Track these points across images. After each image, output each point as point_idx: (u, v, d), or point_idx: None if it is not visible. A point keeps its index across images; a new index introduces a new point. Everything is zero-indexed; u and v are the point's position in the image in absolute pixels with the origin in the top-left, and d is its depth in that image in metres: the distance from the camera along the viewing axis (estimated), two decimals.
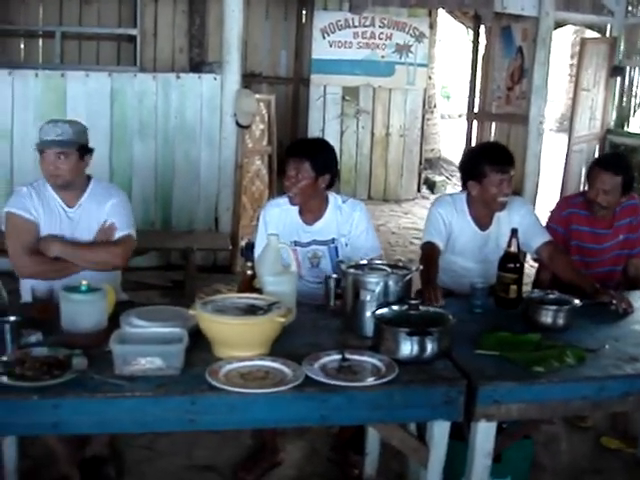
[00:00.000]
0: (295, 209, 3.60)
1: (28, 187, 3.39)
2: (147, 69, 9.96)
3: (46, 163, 3.28)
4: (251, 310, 2.59)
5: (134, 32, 10.41)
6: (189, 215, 6.67)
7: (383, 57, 10.39)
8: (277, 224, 3.58)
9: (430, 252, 3.67)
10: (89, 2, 10.57)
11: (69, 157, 3.29)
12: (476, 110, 10.55)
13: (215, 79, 6.54)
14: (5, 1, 10.28)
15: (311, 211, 3.59)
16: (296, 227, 3.60)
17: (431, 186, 11.37)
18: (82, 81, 6.44)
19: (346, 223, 3.58)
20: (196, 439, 3.74)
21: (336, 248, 3.60)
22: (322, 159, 3.54)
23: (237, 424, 2.61)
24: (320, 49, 10.26)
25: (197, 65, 10.02)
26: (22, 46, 10.60)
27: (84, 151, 3.35)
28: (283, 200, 3.63)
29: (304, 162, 3.46)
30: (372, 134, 10.62)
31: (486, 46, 10.30)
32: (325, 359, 2.55)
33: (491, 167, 3.60)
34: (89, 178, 3.45)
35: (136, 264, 3.53)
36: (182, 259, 6.21)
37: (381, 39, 10.38)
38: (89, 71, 6.72)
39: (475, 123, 10.43)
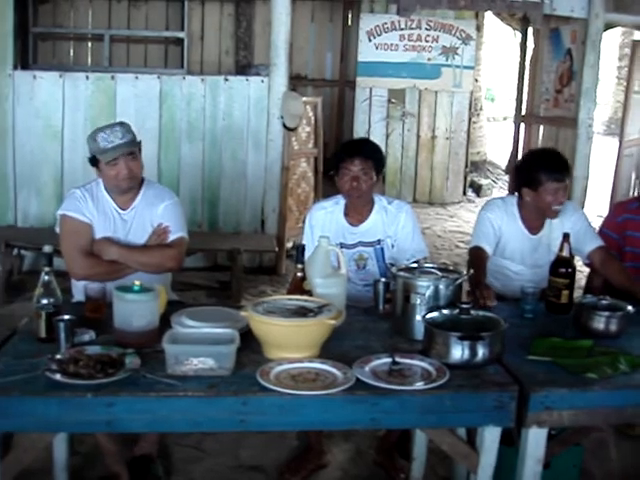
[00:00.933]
0: (341, 211, 3.62)
1: (82, 189, 3.44)
2: (194, 71, 10.06)
3: (118, 169, 3.30)
4: (302, 312, 2.59)
5: (181, 35, 10.53)
6: (236, 216, 6.71)
7: (429, 59, 10.35)
8: (323, 227, 3.61)
9: (478, 256, 3.65)
10: (137, 6, 10.71)
11: (137, 156, 3.36)
12: (523, 113, 10.44)
13: (262, 82, 6.57)
14: (55, 5, 10.46)
15: (358, 213, 3.61)
16: (342, 229, 3.61)
17: (477, 189, 11.29)
18: (132, 83, 6.53)
19: (392, 224, 3.59)
20: (242, 439, 3.76)
21: (382, 249, 3.61)
22: (379, 158, 3.61)
23: (287, 426, 2.62)
24: (366, 52, 10.25)
25: (243, 67, 10.11)
26: (71, 49, 10.76)
27: (139, 148, 3.42)
28: (328, 203, 3.66)
29: (369, 162, 3.51)
30: (418, 137, 10.58)
31: (534, 48, 10.18)
32: (375, 362, 2.54)
33: (547, 175, 3.56)
34: (142, 180, 3.49)
35: (183, 265, 3.56)
36: (228, 260, 6.25)
37: (427, 41, 10.34)
38: (138, 73, 6.81)
39: (522, 126, 10.32)
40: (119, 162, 3.29)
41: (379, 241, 3.60)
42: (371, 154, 3.56)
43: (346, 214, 3.62)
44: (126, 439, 3.43)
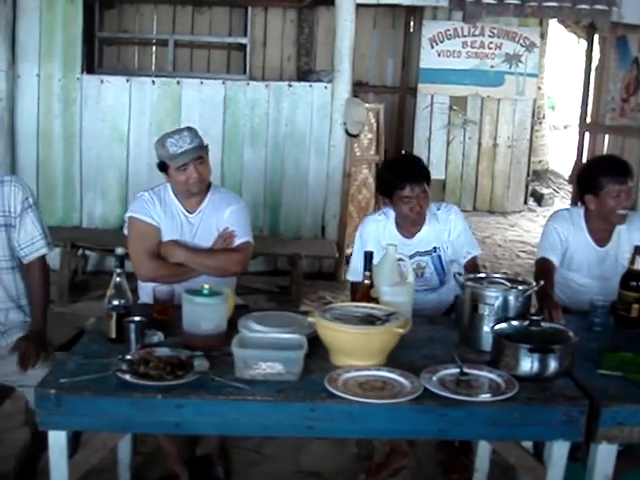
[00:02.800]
0: (392, 224, 3.64)
1: (150, 192, 3.48)
2: (256, 77, 10.14)
3: (188, 174, 3.34)
4: (369, 320, 2.59)
5: (244, 41, 10.61)
6: (296, 222, 6.74)
7: (492, 67, 10.27)
8: (375, 240, 3.61)
9: (545, 268, 3.60)
10: (201, 11, 10.83)
11: (205, 160, 3.40)
12: (588, 121, 10.26)
13: (326, 88, 6.59)
14: (120, 10, 10.65)
15: (411, 225, 3.61)
16: (396, 242, 3.59)
17: (538, 199, 11.14)
18: (197, 88, 6.61)
19: (445, 230, 3.60)
20: (302, 444, 3.76)
21: (439, 257, 3.63)
22: (428, 173, 3.60)
23: (354, 433, 2.61)
24: (428, 58, 10.22)
25: (305, 74, 10.15)
26: (136, 54, 10.94)
27: (207, 152, 3.45)
28: (380, 216, 3.67)
29: (423, 184, 3.51)
30: (479, 144, 10.50)
31: (600, 56, 10.00)
32: (443, 372, 2.52)
33: (608, 178, 3.50)
34: (209, 184, 3.53)
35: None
36: (289, 265, 6.28)
37: (490, 48, 10.26)
38: (203, 79, 6.89)
39: (587, 135, 10.14)
40: (189, 167, 3.32)
41: (435, 249, 3.61)
42: (425, 176, 3.55)
43: (398, 227, 3.63)
44: (187, 440, 3.47)
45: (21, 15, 6.36)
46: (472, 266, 3.54)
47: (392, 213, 3.65)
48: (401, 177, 3.53)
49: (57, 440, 2.40)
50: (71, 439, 2.49)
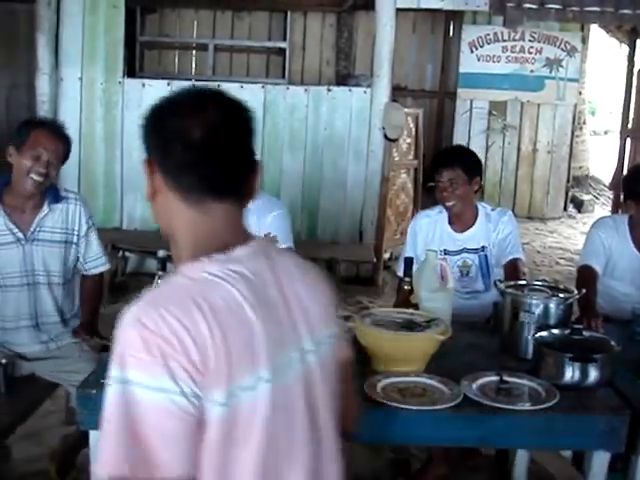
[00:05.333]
0: (445, 218, 3.63)
1: None
2: (295, 81, 10.17)
3: None
4: (409, 326, 2.58)
5: (283, 45, 10.67)
6: (334, 226, 6.75)
7: (532, 71, 10.19)
8: (426, 234, 3.63)
9: (588, 276, 3.56)
10: (241, 16, 10.90)
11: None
12: (629, 127, 10.13)
13: (365, 92, 6.60)
14: (162, 15, 10.76)
15: (463, 219, 3.62)
16: (446, 236, 3.62)
17: (578, 205, 11.01)
18: (236, 92, 6.43)
19: (495, 230, 3.60)
20: None
21: (486, 256, 3.61)
22: (470, 162, 3.59)
23: (393, 439, 2.60)
24: (468, 63, 10.17)
25: (344, 78, 10.15)
26: (176, 58, 11.04)
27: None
28: (433, 211, 3.69)
29: (456, 169, 3.49)
30: (518, 150, 10.42)
31: None
32: (483, 380, 2.50)
33: None
34: None
35: None
36: (326, 269, 6.28)
37: (531, 53, 10.18)
38: (242, 83, 6.94)
39: (628, 141, 10.01)
40: None
41: (483, 248, 3.60)
42: (458, 162, 3.54)
43: (450, 222, 3.63)
44: None
45: (64, 19, 6.46)
46: (512, 267, 3.51)
47: None
48: (434, 161, 3.64)
49: (97, 440, 2.42)
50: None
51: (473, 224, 3.61)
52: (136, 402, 1.21)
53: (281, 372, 1.35)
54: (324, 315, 1.50)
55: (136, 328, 1.25)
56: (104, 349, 3.10)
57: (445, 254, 3.52)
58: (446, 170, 3.49)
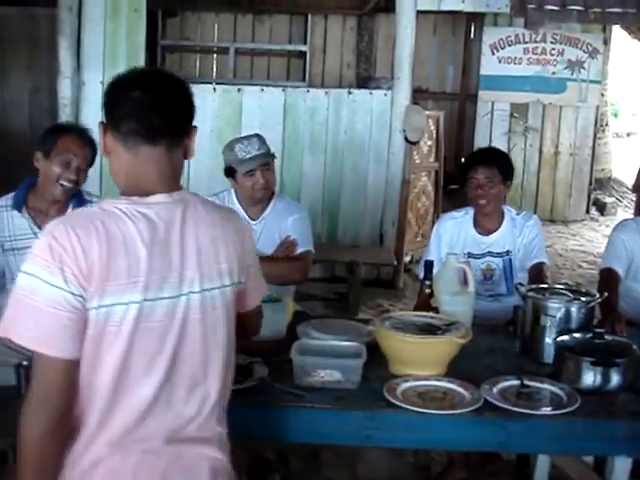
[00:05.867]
0: (470, 221, 3.62)
1: (213, 198, 3.50)
2: (315, 84, 10.18)
3: (254, 179, 3.38)
4: (429, 329, 2.57)
5: (304, 48, 10.69)
6: (355, 229, 6.73)
7: (554, 73, 10.12)
8: (451, 236, 3.63)
9: (610, 279, 3.52)
10: (262, 19, 10.93)
11: (272, 166, 3.45)
12: None
13: (385, 95, 6.58)
14: (183, 18, 10.81)
15: (488, 223, 3.60)
16: (471, 238, 3.61)
17: (601, 208, 10.92)
18: (257, 96, 6.66)
19: (520, 234, 3.59)
20: (359, 452, 3.75)
21: (510, 260, 3.59)
22: (506, 165, 3.61)
23: (413, 443, 2.59)
24: (489, 65, 10.13)
25: (364, 80, 10.15)
26: (197, 61, 11.09)
27: (273, 159, 3.49)
28: (459, 213, 3.67)
29: (493, 169, 3.48)
30: (540, 152, 10.35)
31: None
32: (503, 384, 2.49)
33: None
34: (272, 192, 3.56)
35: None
36: (346, 272, 6.27)
37: (552, 55, 10.13)
38: (263, 86, 6.95)
39: None
40: (256, 173, 3.37)
41: (508, 252, 3.59)
42: (495, 161, 3.56)
43: (476, 224, 3.61)
44: (246, 446, 3.48)
45: (86, 23, 6.49)
46: (537, 271, 3.49)
47: (472, 211, 3.66)
48: (470, 159, 3.67)
49: None
50: None
51: (498, 228, 3.60)
52: (36, 289, 1.58)
53: (155, 301, 1.67)
54: (225, 264, 1.77)
55: (47, 237, 1.62)
56: None
57: (469, 257, 3.50)
58: (483, 167, 3.50)
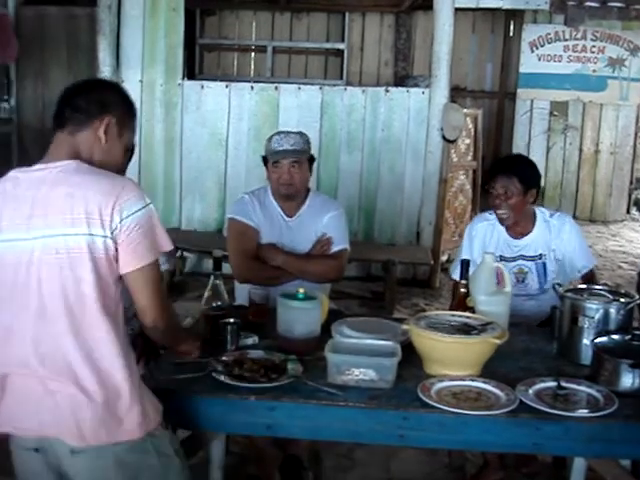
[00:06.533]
0: None
1: (250, 195, 3.54)
2: (353, 82, 10.17)
3: (280, 172, 3.40)
4: (465, 329, 2.55)
5: (342, 46, 10.69)
6: (391, 227, 6.70)
7: (594, 71, 10.01)
8: (483, 238, 3.57)
9: None
10: (299, 17, 10.95)
11: (302, 166, 3.43)
12: None
13: (423, 93, 6.55)
14: (221, 17, 10.88)
15: (519, 226, 3.54)
16: (503, 241, 3.55)
17: None
18: (294, 94, 6.67)
19: (556, 238, 3.51)
20: (393, 452, 3.74)
21: (544, 264, 3.52)
22: (528, 174, 3.51)
23: (447, 444, 2.57)
24: (528, 63, 10.05)
25: (402, 79, 10.13)
26: (235, 60, 11.14)
27: (313, 160, 3.48)
28: (491, 215, 3.60)
29: (512, 179, 3.42)
30: (580, 151, 10.23)
31: None
32: (539, 385, 2.46)
33: None
34: (308, 190, 3.56)
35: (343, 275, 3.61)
36: (382, 271, 6.26)
37: (593, 52, 10.01)
38: (300, 84, 6.96)
39: None
40: (282, 166, 3.38)
41: (541, 255, 3.52)
42: (515, 171, 3.46)
43: (508, 227, 3.55)
44: (278, 441, 3.49)
45: (125, 22, 6.55)
46: (590, 279, 3.45)
47: None
48: (491, 169, 3.63)
49: None
50: None
51: (531, 230, 3.53)
52: None
53: (6, 243, 2.03)
54: (74, 215, 1.98)
55: None
56: None
57: (501, 260, 3.45)
58: (502, 178, 3.43)
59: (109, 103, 2.18)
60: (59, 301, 2.00)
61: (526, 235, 3.54)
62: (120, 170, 2.25)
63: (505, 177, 3.43)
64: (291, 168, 3.39)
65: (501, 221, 3.50)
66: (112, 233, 1.99)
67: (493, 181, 3.46)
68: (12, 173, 2.11)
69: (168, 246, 2.12)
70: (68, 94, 2.20)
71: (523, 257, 3.53)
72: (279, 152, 3.38)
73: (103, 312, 2.01)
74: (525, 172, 3.50)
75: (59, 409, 2.00)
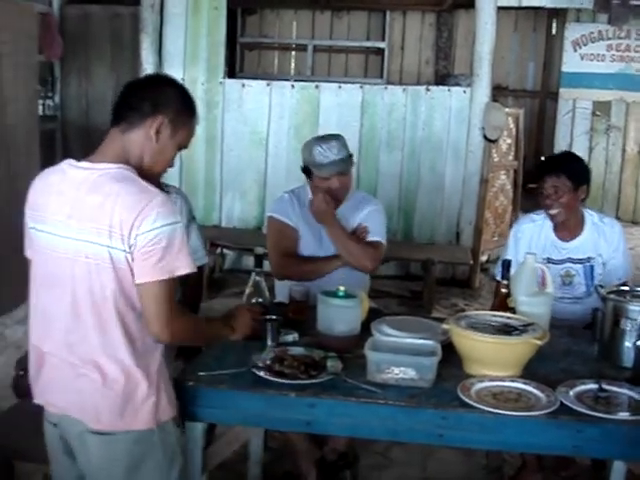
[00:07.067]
0: (550, 225, 3.53)
1: (289, 194, 3.56)
2: (393, 81, 10.16)
3: (330, 183, 3.40)
4: (506, 329, 2.54)
5: (382, 45, 10.68)
6: (430, 227, 6.67)
7: (638, 71, 9.85)
8: (530, 240, 3.54)
9: None
10: (340, 16, 10.96)
11: (349, 172, 3.47)
12: None
13: (464, 92, 6.51)
14: (261, 16, 10.94)
15: (568, 228, 3.50)
16: (551, 243, 3.52)
17: None
18: (335, 93, 6.67)
19: (605, 242, 3.48)
20: (430, 451, 3.74)
21: (592, 267, 3.49)
22: (577, 170, 3.49)
23: (486, 444, 2.56)
24: (571, 62, 9.93)
25: (443, 77, 10.08)
26: (276, 58, 11.19)
27: (351, 163, 3.49)
28: (538, 216, 3.57)
29: (561, 176, 3.39)
30: (623, 151, 10.08)
31: None
32: (580, 387, 2.45)
33: None
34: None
35: (376, 272, 3.61)
36: (421, 270, 6.25)
37: (637, 52, 9.87)
38: (341, 83, 6.97)
39: None
40: (332, 177, 3.39)
41: (589, 259, 3.49)
42: (563, 169, 3.43)
43: (556, 229, 3.52)
44: (315, 438, 3.51)
45: (167, 21, 6.61)
46: None
47: None
48: (539, 167, 3.58)
49: (193, 431, 2.46)
50: (206, 431, 2.56)
51: (580, 233, 3.50)
52: None
53: (50, 235, 2.12)
54: (100, 225, 2.04)
55: None
56: None
57: (548, 262, 3.42)
58: (550, 177, 3.40)
59: (163, 102, 2.17)
60: (87, 300, 2.08)
61: (575, 238, 3.50)
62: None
63: (554, 176, 3.40)
64: (341, 178, 3.41)
65: (553, 218, 3.46)
66: (130, 247, 2.03)
67: (542, 181, 3.43)
68: (62, 165, 2.16)
69: (185, 269, 2.10)
70: (126, 91, 2.22)
71: (571, 260, 3.49)
72: (326, 165, 3.37)
73: (122, 316, 2.09)
74: (573, 168, 3.47)
75: (83, 393, 2.10)
